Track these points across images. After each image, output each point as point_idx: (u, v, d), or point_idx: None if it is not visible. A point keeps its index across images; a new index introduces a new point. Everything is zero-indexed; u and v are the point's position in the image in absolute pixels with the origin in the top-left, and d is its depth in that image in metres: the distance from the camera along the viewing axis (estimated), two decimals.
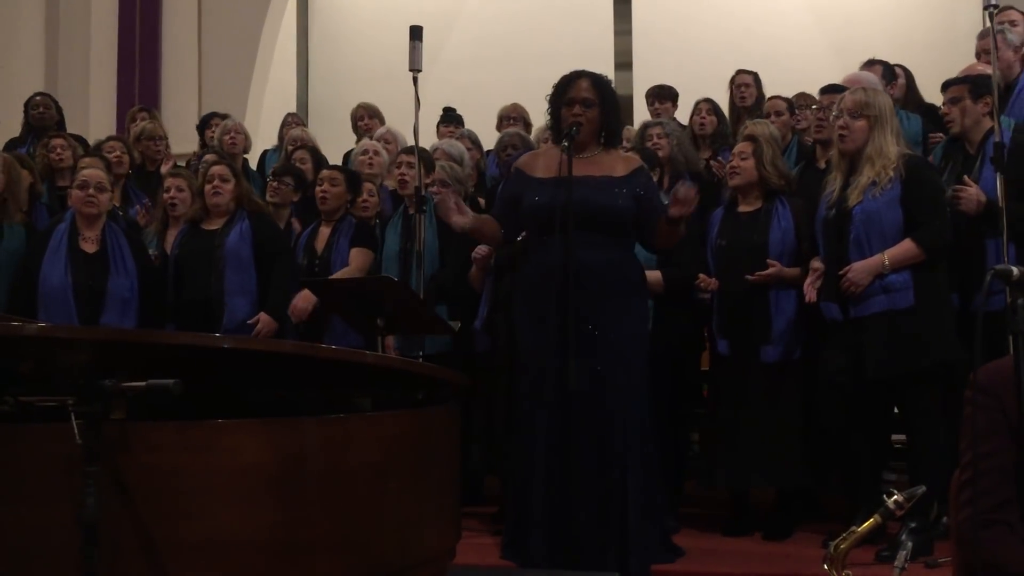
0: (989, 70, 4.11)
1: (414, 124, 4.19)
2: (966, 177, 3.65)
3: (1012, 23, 4.43)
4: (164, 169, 5.59)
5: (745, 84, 5.51)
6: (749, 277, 3.67)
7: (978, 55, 4.47)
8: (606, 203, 3.36)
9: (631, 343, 3.37)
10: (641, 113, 7.59)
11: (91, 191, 4.28)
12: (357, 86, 7.92)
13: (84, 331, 2.49)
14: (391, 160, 5.19)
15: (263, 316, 4.26)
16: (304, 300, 4.27)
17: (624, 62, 8.33)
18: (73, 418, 1.67)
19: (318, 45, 9.13)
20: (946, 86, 3.94)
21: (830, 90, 4.38)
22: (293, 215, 5.03)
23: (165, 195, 4.71)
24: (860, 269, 3.44)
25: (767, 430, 3.73)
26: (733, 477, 3.83)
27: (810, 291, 3.65)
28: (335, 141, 6.51)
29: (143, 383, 1.67)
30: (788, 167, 4.13)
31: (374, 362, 2.41)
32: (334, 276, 4.32)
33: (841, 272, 3.46)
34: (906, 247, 3.46)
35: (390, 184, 5.20)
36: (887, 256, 3.44)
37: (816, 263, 3.67)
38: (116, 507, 1.73)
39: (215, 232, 4.39)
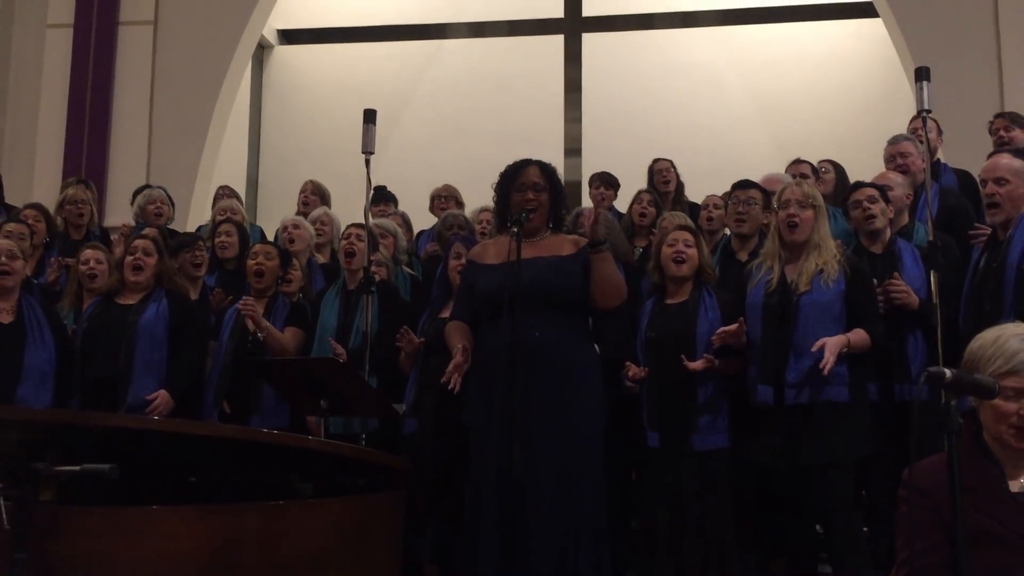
0: (899, 179, 4.30)
1: (365, 205, 4.23)
2: (896, 274, 3.76)
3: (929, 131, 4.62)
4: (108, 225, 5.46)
5: (666, 169, 5.79)
6: (686, 362, 3.70)
7: (891, 159, 4.62)
8: (557, 281, 3.41)
9: (587, 420, 3.37)
10: (589, 198, 7.76)
11: (3, 259, 4.13)
12: (308, 163, 7.97)
13: (17, 411, 2.43)
14: (333, 237, 5.23)
15: (162, 393, 4.10)
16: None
17: (573, 148, 8.55)
18: (1, 501, 1.62)
19: (271, 122, 9.19)
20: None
21: (744, 186, 4.46)
22: (210, 287, 4.91)
23: (82, 267, 4.57)
24: (833, 344, 3.44)
25: (702, 520, 3.72)
26: (672, 569, 3.79)
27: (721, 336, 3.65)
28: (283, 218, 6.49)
29: (77, 467, 1.63)
30: None
31: (316, 448, 2.38)
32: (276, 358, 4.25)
33: (814, 348, 3.46)
34: (862, 335, 3.52)
35: (321, 258, 5.20)
36: (850, 338, 3.50)
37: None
38: None
39: (129, 307, 4.24)
